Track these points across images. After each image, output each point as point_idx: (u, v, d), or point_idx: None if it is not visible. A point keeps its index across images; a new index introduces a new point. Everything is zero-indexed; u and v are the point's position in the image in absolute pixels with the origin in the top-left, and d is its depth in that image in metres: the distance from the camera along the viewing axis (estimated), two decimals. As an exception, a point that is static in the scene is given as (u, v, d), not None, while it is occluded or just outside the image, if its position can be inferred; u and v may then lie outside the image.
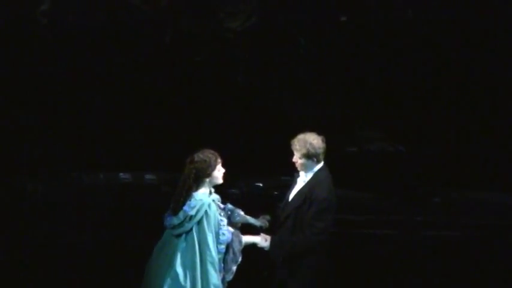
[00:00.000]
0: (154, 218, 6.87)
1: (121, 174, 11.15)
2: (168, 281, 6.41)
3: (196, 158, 6.52)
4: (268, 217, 7.02)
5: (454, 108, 11.18)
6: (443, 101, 11.15)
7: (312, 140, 6.76)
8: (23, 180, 10.84)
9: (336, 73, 11.18)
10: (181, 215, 6.44)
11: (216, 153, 6.59)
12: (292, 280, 6.76)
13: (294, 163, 6.86)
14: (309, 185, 6.79)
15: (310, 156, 6.75)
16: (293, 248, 6.73)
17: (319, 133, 6.84)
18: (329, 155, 6.89)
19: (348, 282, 9.34)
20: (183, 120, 11.11)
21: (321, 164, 6.83)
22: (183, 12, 11.26)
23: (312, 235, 6.67)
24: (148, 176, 11.23)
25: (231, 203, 6.91)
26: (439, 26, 11.08)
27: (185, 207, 6.44)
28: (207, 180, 6.56)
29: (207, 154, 6.55)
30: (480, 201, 11.12)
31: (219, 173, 6.60)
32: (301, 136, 6.80)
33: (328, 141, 6.86)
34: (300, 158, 6.78)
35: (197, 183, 6.52)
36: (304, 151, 6.75)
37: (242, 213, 6.90)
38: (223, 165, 6.65)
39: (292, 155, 6.85)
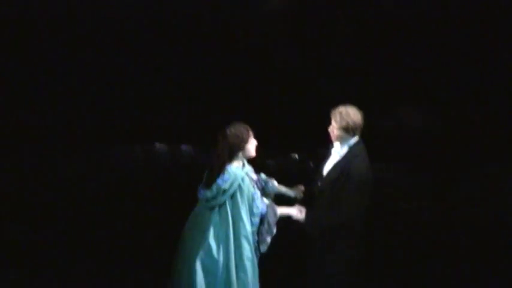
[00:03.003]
0: (189, 190, 6.86)
1: (157, 144, 11.17)
2: (201, 253, 6.43)
3: (228, 133, 6.53)
4: (302, 188, 7.04)
5: (497, 82, 11.02)
6: (483, 74, 10.99)
7: (353, 115, 6.73)
8: (59, 154, 10.90)
9: (372, 50, 11.08)
10: (214, 188, 6.44)
11: (248, 126, 6.61)
12: (329, 255, 6.73)
13: (329, 133, 6.82)
14: (345, 159, 6.75)
15: (348, 130, 6.72)
16: (330, 223, 6.70)
17: (358, 108, 6.80)
18: (367, 130, 6.84)
19: (384, 257, 9.30)
20: (220, 93, 11.08)
21: (357, 138, 6.78)
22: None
23: (348, 210, 6.63)
24: (184, 147, 11.24)
25: (266, 174, 6.90)
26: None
27: (218, 181, 6.44)
28: (240, 153, 6.57)
29: (239, 128, 6.56)
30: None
31: (251, 146, 6.62)
32: (342, 108, 6.77)
33: (366, 116, 6.82)
34: (337, 129, 6.75)
35: (230, 157, 6.54)
36: (343, 123, 6.72)
37: (276, 183, 6.92)
38: (258, 138, 6.63)
39: (328, 125, 6.80)
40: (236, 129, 6.56)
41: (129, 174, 10.90)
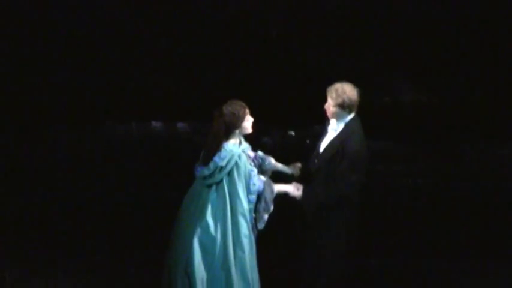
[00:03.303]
0: (186, 168, 6.87)
1: (153, 122, 11.16)
2: (199, 231, 6.44)
3: (225, 111, 6.52)
4: (299, 165, 7.03)
5: (489, 58, 11.02)
6: (476, 50, 10.99)
7: (349, 91, 6.72)
8: (55, 131, 10.87)
9: (369, 24, 11.05)
10: (211, 165, 6.45)
11: (244, 104, 6.60)
12: (325, 231, 6.75)
13: (325, 110, 6.82)
14: (340, 136, 6.75)
15: (344, 107, 6.72)
16: (326, 199, 6.70)
17: (353, 84, 6.80)
18: (362, 106, 6.84)
19: (380, 233, 9.33)
20: (217, 70, 11.07)
21: (353, 115, 6.78)
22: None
23: (345, 187, 6.64)
24: (180, 125, 11.23)
25: (263, 152, 6.91)
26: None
27: (215, 158, 6.45)
28: (237, 131, 6.58)
29: (235, 106, 6.55)
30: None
31: (248, 123, 6.61)
32: (338, 85, 6.76)
33: (362, 92, 6.82)
34: (333, 106, 6.74)
35: (227, 135, 6.54)
36: (339, 100, 6.71)
37: (273, 160, 6.92)
38: (254, 115, 6.63)
39: (324, 102, 6.81)
40: (233, 107, 6.54)
41: (125, 152, 10.89)
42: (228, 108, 6.54)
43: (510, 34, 10.97)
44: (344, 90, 6.71)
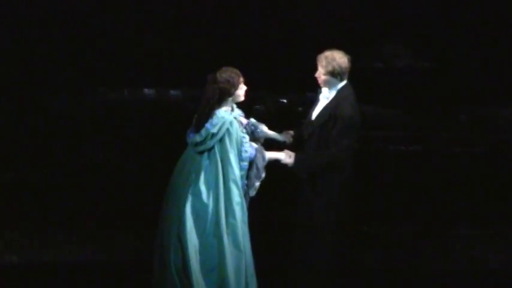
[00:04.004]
0: (178, 134, 6.87)
1: (146, 90, 11.11)
2: (191, 198, 6.46)
3: (219, 78, 6.50)
4: (291, 132, 7.05)
5: (483, 23, 10.97)
6: (471, 15, 10.93)
7: (339, 59, 6.71)
8: (44, 96, 10.82)
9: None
10: (203, 132, 6.45)
11: (238, 72, 6.58)
12: (318, 196, 6.77)
13: (316, 78, 6.81)
14: (332, 102, 6.75)
15: (335, 74, 6.71)
16: (318, 164, 6.72)
17: (344, 48, 6.78)
18: (354, 71, 6.83)
19: (372, 198, 9.36)
20: (207, 37, 11.01)
21: (344, 82, 6.78)
22: None
23: (337, 151, 6.65)
24: (173, 92, 11.19)
25: (255, 119, 6.91)
26: None
27: (207, 125, 6.44)
28: (230, 98, 6.57)
29: (229, 74, 6.53)
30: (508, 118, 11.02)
31: (241, 91, 6.60)
32: (328, 53, 6.75)
33: (353, 57, 6.80)
34: (324, 75, 6.74)
35: (220, 102, 6.52)
36: (329, 68, 6.70)
37: (265, 128, 6.94)
38: (246, 83, 6.63)
39: (315, 70, 6.80)
40: (227, 74, 6.52)
41: (117, 118, 10.85)
42: (223, 74, 6.52)
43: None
44: (334, 58, 6.70)
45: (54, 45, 10.90)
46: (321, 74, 6.76)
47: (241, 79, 6.59)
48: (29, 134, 10.35)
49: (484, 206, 9.59)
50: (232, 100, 6.60)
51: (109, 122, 10.62)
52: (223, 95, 6.52)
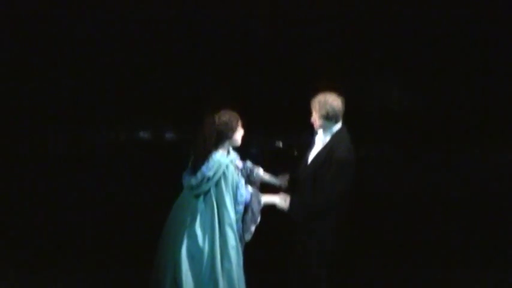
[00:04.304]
0: (173, 177, 6.87)
1: (141, 133, 11.14)
2: (187, 241, 6.44)
3: (218, 120, 6.51)
4: (287, 176, 7.04)
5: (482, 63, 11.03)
6: (466, 53, 10.99)
7: (332, 101, 6.75)
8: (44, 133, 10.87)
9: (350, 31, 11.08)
10: (199, 175, 6.44)
11: (237, 115, 6.59)
12: (312, 240, 6.76)
13: (312, 123, 6.84)
14: (328, 146, 6.77)
15: (329, 118, 6.75)
16: (313, 208, 6.72)
17: (338, 92, 6.82)
18: (350, 113, 6.87)
19: (367, 242, 9.35)
20: (204, 79, 11.06)
21: (339, 125, 6.81)
22: None
23: (332, 195, 6.66)
24: (168, 135, 11.22)
25: (251, 162, 6.92)
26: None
27: (203, 168, 6.44)
28: (227, 142, 6.57)
29: (228, 116, 6.55)
30: (495, 162, 11.07)
31: (239, 135, 6.62)
32: (321, 97, 6.79)
33: (348, 99, 6.84)
34: (319, 119, 6.78)
35: (217, 145, 6.53)
36: (323, 112, 6.74)
37: (261, 171, 6.94)
38: (243, 126, 6.64)
39: (311, 114, 6.82)
40: (225, 117, 6.54)
41: (113, 161, 10.88)
42: (221, 117, 6.53)
43: (499, 37, 10.98)
44: (327, 101, 6.74)
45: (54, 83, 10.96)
46: (316, 118, 6.79)
47: (240, 122, 6.60)
48: (28, 172, 10.42)
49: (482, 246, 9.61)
50: (229, 143, 6.61)
51: (105, 163, 10.67)
52: (220, 138, 6.53)
